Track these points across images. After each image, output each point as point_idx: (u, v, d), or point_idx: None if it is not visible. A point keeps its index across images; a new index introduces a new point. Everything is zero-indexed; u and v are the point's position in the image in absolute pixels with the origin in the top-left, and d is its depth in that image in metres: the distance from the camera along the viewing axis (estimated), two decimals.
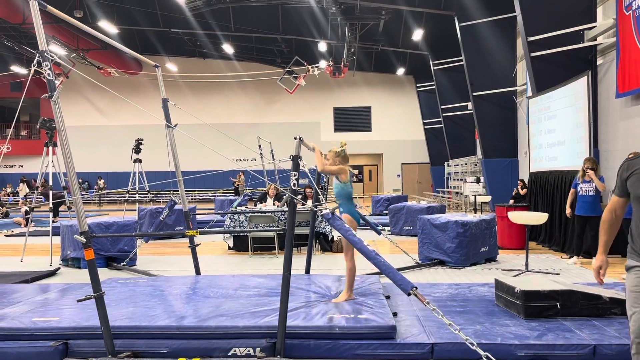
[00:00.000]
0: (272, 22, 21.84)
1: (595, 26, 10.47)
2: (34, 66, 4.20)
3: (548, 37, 10.48)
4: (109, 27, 19.67)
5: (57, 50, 21.67)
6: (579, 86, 8.92)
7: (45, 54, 3.84)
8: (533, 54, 10.71)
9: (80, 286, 5.75)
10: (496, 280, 4.96)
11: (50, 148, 8.76)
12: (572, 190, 7.91)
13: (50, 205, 8.76)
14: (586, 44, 10.54)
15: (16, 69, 25.51)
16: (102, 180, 28.14)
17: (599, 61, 10.81)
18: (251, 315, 4.22)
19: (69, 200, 7.42)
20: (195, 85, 28.27)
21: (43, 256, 8.70)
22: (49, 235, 8.62)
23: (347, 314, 4.20)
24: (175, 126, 6.04)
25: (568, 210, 7.95)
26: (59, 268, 7.71)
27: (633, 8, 8.71)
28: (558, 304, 4.38)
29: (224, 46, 24.23)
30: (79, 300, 3.91)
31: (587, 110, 8.63)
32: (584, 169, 7.66)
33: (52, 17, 5.78)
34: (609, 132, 10.29)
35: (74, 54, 23.49)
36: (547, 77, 10.54)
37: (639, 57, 8.62)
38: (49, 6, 4.10)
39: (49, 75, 3.81)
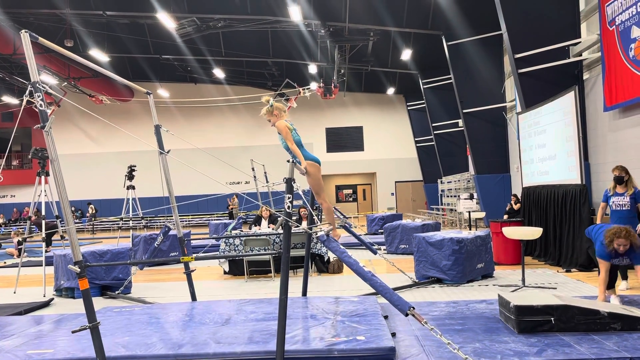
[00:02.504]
0: (262, 46, 22.07)
1: (580, 42, 10.66)
2: (26, 97, 4.21)
3: (534, 53, 10.65)
4: (100, 55, 19.79)
5: (49, 79, 21.72)
6: (567, 101, 9.05)
7: (37, 84, 3.86)
8: (520, 71, 10.87)
9: (74, 316, 5.68)
10: (499, 295, 4.95)
11: (43, 177, 8.72)
12: (602, 204, 7.19)
13: (43, 235, 8.69)
14: (572, 59, 10.72)
15: (7, 99, 25.52)
16: (92, 206, 27.89)
17: (586, 76, 10.98)
18: (249, 340, 4.18)
19: (62, 230, 7.37)
20: (187, 110, 28.39)
21: (36, 287, 8.58)
22: (42, 266, 8.53)
23: (346, 336, 4.17)
24: (168, 152, 6.05)
25: None
26: (52, 299, 7.61)
27: (616, 23, 8.90)
28: (552, 318, 4.37)
29: (215, 71, 24.42)
30: (74, 332, 3.86)
31: (576, 124, 8.74)
32: (614, 179, 6.95)
33: (43, 47, 5.82)
34: (598, 145, 10.40)
35: (65, 83, 23.56)
36: (536, 93, 10.67)
37: (624, 71, 8.77)
38: (40, 38, 4.13)
39: (41, 106, 3.82)
